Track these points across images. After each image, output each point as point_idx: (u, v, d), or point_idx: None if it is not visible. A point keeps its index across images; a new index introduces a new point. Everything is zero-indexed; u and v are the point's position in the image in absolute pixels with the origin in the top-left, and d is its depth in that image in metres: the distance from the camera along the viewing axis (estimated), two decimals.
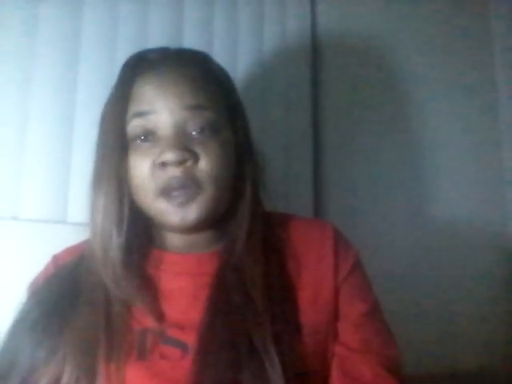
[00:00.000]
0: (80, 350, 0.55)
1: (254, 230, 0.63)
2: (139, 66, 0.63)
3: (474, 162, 1.22)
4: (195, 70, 0.63)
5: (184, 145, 0.58)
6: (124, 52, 0.90)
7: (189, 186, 0.58)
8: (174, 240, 0.65)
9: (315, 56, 1.15)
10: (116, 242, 0.59)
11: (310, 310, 0.60)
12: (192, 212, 0.58)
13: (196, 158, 0.59)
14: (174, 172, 0.58)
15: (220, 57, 0.72)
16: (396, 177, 1.16)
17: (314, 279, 0.62)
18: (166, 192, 0.58)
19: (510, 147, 1.25)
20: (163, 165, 0.58)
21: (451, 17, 1.25)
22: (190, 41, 0.96)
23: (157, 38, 0.94)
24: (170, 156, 0.57)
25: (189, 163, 0.58)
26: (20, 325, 0.59)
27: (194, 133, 0.60)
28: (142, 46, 0.91)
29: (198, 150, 0.59)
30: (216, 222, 0.63)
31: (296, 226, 0.67)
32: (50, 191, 0.84)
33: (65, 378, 0.54)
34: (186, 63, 0.64)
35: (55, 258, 0.69)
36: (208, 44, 1.00)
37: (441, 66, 1.23)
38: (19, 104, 0.84)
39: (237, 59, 1.04)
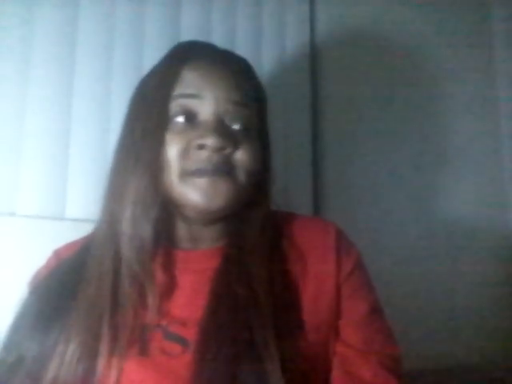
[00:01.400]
0: (83, 330, 0.55)
1: (265, 229, 0.64)
2: (190, 53, 0.64)
3: (474, 160, 1.23)
4: (239, 70, 0.65)
5: (225, 133, 0.59)
6: (120, 52, 0.91)
7: (222, 172, 0.58)
8: (182, 234, 0.64)
9: (314, 59, 1.16)
10: (150, 219, 0.58)
11: (312, 308, 0.60)
12: (221, 195, 0.58)
13: (235, 148, 0.60)
14: (211, 156, 0.58)
15: None
16: (395, 175, 1.17)
17: (316, 278, 0.62)
18: (196, 173, 0.58)
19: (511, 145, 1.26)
20: (201, 147, 0.58)
21: (452, 15, 1.26)
22: None
23: (153, 43, 0.94)
24: (211, 140, 0.57)
25: (227, 151, 0.59)
26: (23, 319, 0.59)
27: (232, 127, 0.61)
28: (138, 48, 0.93)
29: (237, 141, 0.60)
30: (230, 214, 0.63)
31: (299, 225, 0.67)
32: (48, 187, 0.84)
33: (67, 358, 0.54)
34: (232, 61, 0.66)
35: (57, 252, 0.69)
36: None
37: (441, 65, 1.24)
38: (17, 100, 0.84)
39: None
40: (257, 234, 0.63)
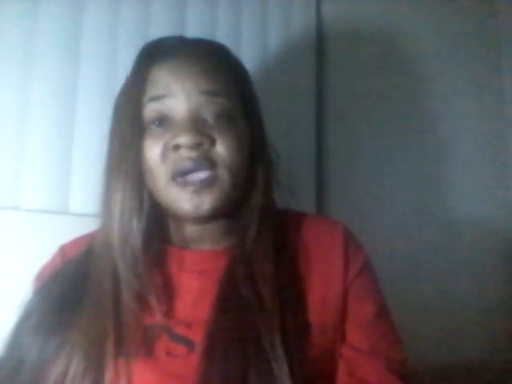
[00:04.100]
0: (88, 340, 0.55)
1: (265, 222, 0.63)
2: (156, 53, 0.63)
3: (479, 161, 1.22)
4: (212, 58, 0.63)
5: (199, 128, 0.57)
6: (125, 49, 0.91)
7: (204, 167, 0.57)
8: (186, 233, 0.63)
9: (320, 51, 1.15)
10: (137, 227, 0.58)
11: (319, 309, 0.59)
12: (207, 200, 0.57)
13: (212, 142, 0.58)
14: (189, 154, 0.57)
15: None
16: (399, 175, 1.16)
17: (323, 279, 0.61)
18: (179, 175, 0.57)
19: None
20: (176, 147, 0.57)
21: (458, 7, 1.24)
22: (193, 34, 0.95)
23: (159, 30, 0.93)
24: (184, 139, 0.56)
25: (205, 146, 0.58)
26: (27, 321, 0.58)
27: (209, 119, 0.59)
28: (143, 43, 0.92)
29: (214, 134, 0.58)
30: (229, 211, 0.62)
31: (307, 225, 0.66)
32: (52, 181, 0.83)
33: (72, 369, 0.53)
34: (202, 51, 0.64)
35: (62, 250, 0.68)
36: (211, 37, 0.98)
37: (448, 58, 1.22)
38: (20, 94, 0.83)
39: (240, 53, 1.01)
40: (263, 234, 0.62)
